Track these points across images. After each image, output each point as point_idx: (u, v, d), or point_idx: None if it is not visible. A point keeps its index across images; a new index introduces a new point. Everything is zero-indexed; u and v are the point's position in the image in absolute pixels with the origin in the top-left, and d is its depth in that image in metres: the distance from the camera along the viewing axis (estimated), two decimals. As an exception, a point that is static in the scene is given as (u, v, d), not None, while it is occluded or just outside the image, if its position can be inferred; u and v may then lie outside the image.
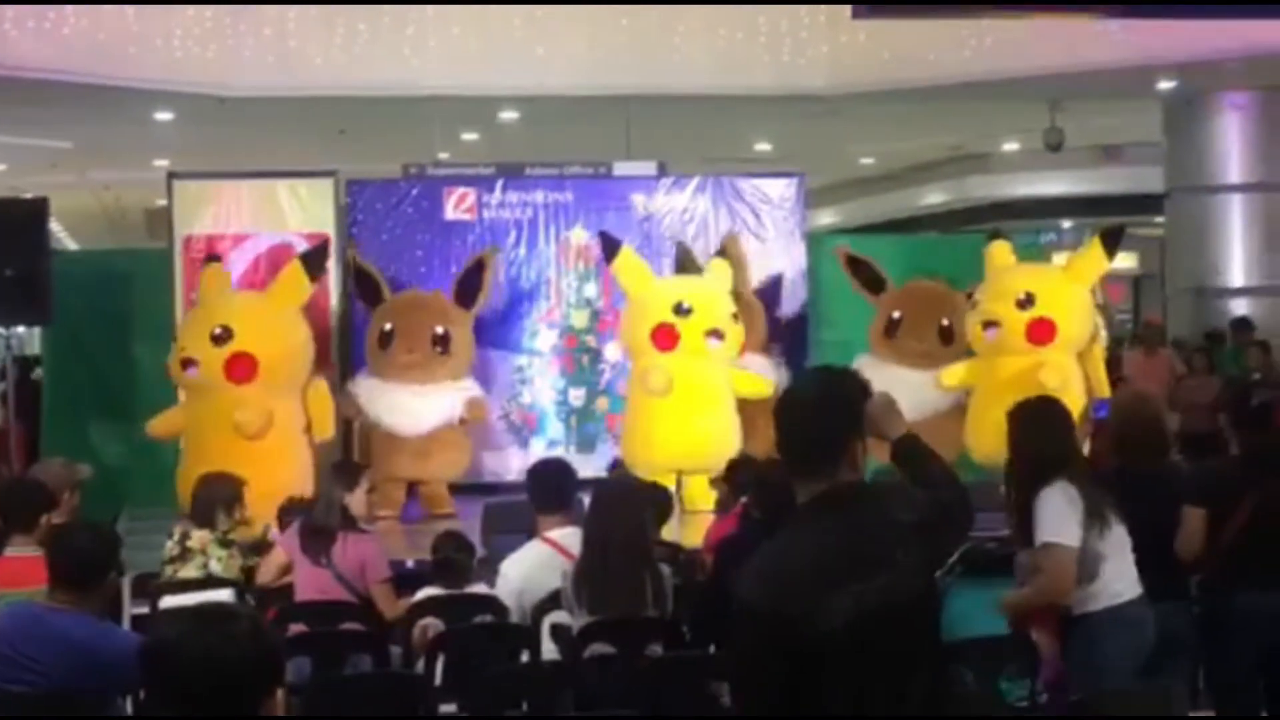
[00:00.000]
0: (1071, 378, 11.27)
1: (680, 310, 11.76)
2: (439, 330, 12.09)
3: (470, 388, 12.27)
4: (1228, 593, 6.34)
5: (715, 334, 11.76)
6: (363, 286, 12.46)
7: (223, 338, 11.13)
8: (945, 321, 12.39)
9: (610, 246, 12.19)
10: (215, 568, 7.63)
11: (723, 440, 11.56)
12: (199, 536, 7.74)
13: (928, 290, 12.68)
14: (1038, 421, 5.91)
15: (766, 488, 6.77)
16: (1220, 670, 6.50)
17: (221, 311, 11.43)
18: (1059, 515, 5.58)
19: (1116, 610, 5.62)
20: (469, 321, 12.35)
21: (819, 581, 3.46)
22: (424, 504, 12.04)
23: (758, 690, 3.51)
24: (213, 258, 12.09)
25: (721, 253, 12.71)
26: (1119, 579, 5.65)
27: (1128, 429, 6.64)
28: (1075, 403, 10.17)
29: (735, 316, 11.94)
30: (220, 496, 7.96)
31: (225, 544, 7.77)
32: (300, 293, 11.52)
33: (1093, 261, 12.03)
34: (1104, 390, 11.70)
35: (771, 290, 13.54)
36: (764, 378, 12.18)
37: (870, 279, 12.64)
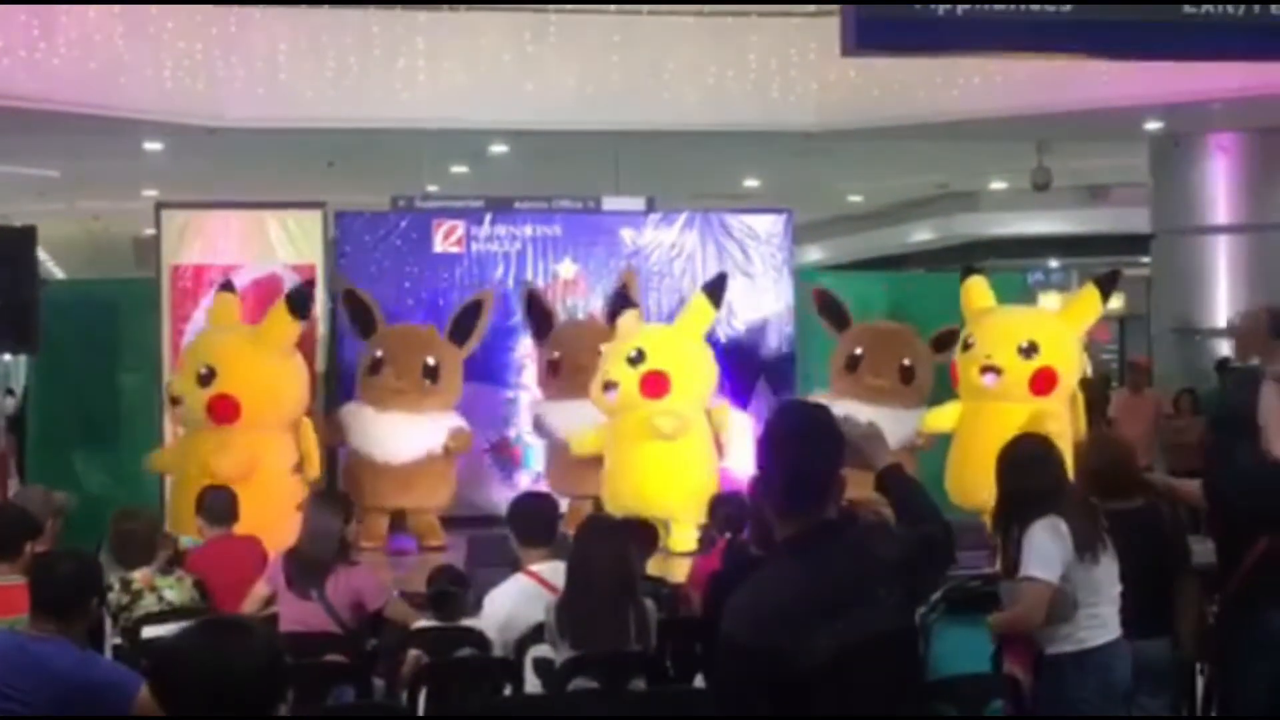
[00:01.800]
0: (1067, 425, 11.25)
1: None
2: (430, 361, 12.10)
3: (454, 419, 12.25)
4: (1254, 612, 6.40)
5: (607, 386, 11.57)
6: (356, 315, 12.42)
7: (207, 378, 11.01)
8: (906, 361, 12.40)
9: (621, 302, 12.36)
10: (171, 597, 7.45)
11: (675, 477, 11.46)
12: (140, 576, 7.52)
13: (891, 329, 12.75)
14: (1031, 458, 5.95)
15: (764, 524, 6.76)
16: (1237, 690, 6.55)
17: (207, 350, 11.35)
18: (1042, 551, 5.63)
19: (1083, 655, 5.68)
20: (459, 358, 12.33)
21: (803, 617, 3.47)
22: (416, 536, 12.02)
23: (741, 725, 3.50)
24: (226, 286, 11.95)
25: (711, 289, 12.40)
26: (1090, 625, 5.70)
27: (1096, 469, 6.68)
28: (1067, 449, 10.18)
29: (639, 356, 11.55)
30: (143, 531, 7.81)
31: (168, 571, 7.64)
32: (287, 333, 11.22)
33: (1088, 306, 11.91)
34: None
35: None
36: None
37: (837, 316, 12.70)
